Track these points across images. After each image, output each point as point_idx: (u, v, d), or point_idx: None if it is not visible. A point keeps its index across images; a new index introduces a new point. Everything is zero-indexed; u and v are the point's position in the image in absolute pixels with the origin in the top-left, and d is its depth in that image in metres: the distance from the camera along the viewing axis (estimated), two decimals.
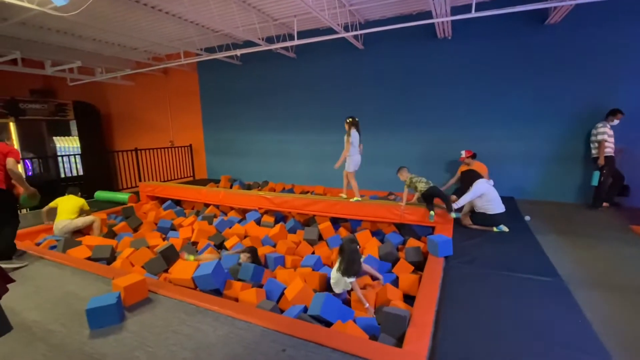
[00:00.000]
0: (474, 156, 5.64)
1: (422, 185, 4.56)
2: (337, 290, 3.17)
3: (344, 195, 5.35)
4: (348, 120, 5.08)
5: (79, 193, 5.64)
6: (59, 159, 9.43)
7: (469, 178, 4.54)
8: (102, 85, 10.56)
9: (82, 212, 5.34)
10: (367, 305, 2.93)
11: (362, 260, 3.10)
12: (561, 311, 2.45)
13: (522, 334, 2.21)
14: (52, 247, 4.50)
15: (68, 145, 10.26)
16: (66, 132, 10.34)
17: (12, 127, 9.13)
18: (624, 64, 5.12)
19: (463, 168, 5.76)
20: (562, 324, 2.30)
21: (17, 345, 2.22)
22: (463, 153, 5.67)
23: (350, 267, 2.97)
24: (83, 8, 4.33)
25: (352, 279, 2.99)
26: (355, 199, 5.07)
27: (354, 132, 5.05)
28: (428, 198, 4.52)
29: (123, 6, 5.49)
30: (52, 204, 5.26)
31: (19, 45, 6.98)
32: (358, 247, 2.98)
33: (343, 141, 5.21)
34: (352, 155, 5.07)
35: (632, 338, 2.21)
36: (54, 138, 9.96)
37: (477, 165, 5.52)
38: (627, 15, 4.99)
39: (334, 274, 3.16)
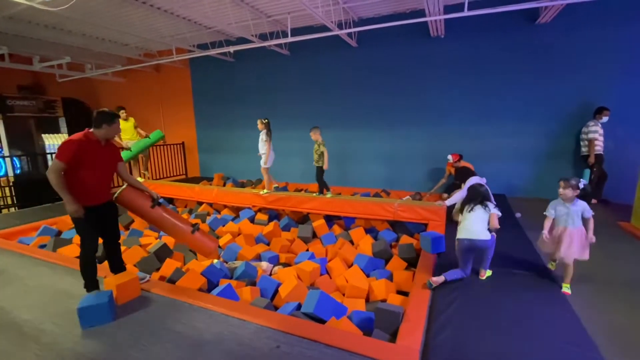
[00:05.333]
0: (461, 158, 5.71)
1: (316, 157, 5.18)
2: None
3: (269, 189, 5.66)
4: (265, 121, 5.40)
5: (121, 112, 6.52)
6: (48, 156, 9.26)
7: (463, 174, 4.57)
8: (92, 82, 10.38)
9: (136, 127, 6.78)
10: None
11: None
12: (550, 305, 2.50)
13: (513, 327, 2.25)
14: (42, 246, 4.44)
15: (57, 143, 10.10)
16: (55, 129, 10.17)
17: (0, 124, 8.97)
18: (614, 63, 5.21)
19: (451, 168, 5.82)
20: (552, 317, 2.35)
21: (8, 345, 2.19)
22: (450, 158, 5.71)
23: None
24: (73, 2, 4.26)
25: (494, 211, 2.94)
26: (265, 191, 5.59)
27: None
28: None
29: (113, 0, 5.41)
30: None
31: (6, 40, 6.82)
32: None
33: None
34: (271, 151, 5.47)
35: (619, 330, 2.27)
36: (43, 135, 9.79)
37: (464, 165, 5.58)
38: (617, 15, 5.07)
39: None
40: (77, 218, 2.58)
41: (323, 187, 5.40)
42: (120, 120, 6.51)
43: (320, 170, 5.27)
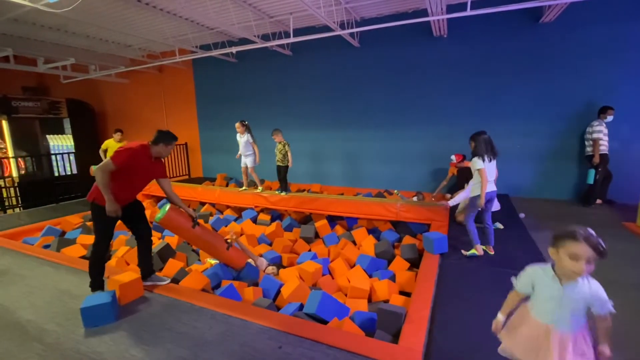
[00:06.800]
0: (464, 158, 5.70)
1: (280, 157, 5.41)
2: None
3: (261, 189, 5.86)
4: (246, 123, 5.67)
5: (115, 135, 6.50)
6: (53, 157, 9.33)
7: (466, 174, 4.57)
8: (96, 83, 10.44)
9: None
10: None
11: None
12: None
13: None
14: (46, 246, 4.47)
15: (62, 144, 10.15)
16: (59, 130, 10.22)
17: (5, 125, 9.03)
18: (618, 62, 5.16)
19: (454, 169, 5.81)
20: None
21: (11, 345, 2.21)
22: (453, 158, 5.70)
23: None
24: (76, 4, 4.28)
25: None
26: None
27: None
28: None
29: (117, 2, 5.44)
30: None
31: (11, 42, 6.88)
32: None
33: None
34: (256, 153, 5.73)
35: (622, 332, 2.24)
36: (47, 136, 9.85)
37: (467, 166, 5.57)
38: (621, 13, 5.03)
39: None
40: (103, 217, 2.68)
41: (284, 185, 5.61)
42: (113, 141, 6.58)
43: (284, 169, 5.50)
